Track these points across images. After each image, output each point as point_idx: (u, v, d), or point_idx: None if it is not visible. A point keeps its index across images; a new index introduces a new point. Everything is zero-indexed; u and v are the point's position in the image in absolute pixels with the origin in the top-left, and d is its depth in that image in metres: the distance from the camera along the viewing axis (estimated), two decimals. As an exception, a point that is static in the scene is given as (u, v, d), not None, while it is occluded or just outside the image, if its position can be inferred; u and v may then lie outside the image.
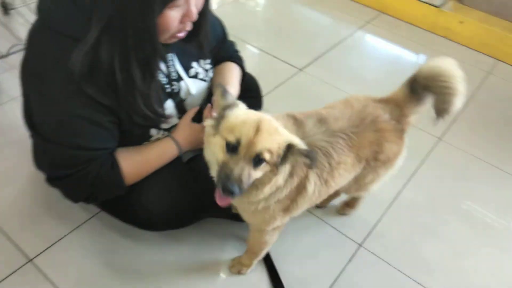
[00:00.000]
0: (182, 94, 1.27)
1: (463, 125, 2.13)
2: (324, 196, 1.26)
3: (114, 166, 1.16)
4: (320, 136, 1.15)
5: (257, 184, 1.04)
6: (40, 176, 1.26)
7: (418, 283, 1.46)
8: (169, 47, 1.18)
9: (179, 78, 1.25)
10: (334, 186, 1.22)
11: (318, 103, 2.13)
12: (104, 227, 1.49)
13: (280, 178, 1.06)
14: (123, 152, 1.20)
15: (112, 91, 1.03)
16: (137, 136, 1.21)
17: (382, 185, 1.39)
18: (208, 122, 1.04)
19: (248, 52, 2.48)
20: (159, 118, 1.16)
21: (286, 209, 1.19)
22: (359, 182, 1.33)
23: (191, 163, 1.39)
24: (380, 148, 1.24)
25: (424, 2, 2.75)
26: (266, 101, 1.75)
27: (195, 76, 1.30)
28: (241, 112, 1.01)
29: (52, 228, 1.46)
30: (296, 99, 2.19)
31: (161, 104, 1.18)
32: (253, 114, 1.00)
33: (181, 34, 1.09)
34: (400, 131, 1.28)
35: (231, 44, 1.55)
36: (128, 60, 1.00)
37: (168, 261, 1.43)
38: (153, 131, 1.22)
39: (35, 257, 1.38)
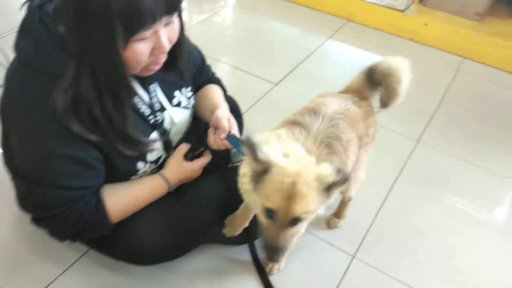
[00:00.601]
0: (166, 124, 1.26)
1: (438, 125, 2.19)
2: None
3: (99, 205, 1.14)
4: (324, 126, 1.18)
5: None
6: (25, 218, 1.23)
7: (407, 286, 1.49)
8: (150, 78, 1.17)
9: (163, 108, 1.24)
10: (350, 164, 1.26)
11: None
12: (95, 265, 1.45)
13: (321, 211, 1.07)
14: (109, 190, 1.18)
15: (97, 126, 1.02)
16: (124, 171, 1.19)
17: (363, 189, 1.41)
18: (243, 174, 1.06)
19: (222, 70, 2.49)
20: (143, 146, 1.14)
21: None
22: (356, 164, 1.37)
23: (177, 193, 1.38)
24: (368, 123, 1.35)
25: (388, 7, 2.83)
26: (246, 118, 1.76)
27: (178, 105, 1.30)
28: (275, 174, 0.96)
29: (43, 271, 1.42)
30: (276, 114, 2.18)
31: (143, 134, 1.17)
32: (288, 174, 0.96)
33: (156, 67, 1.09)
34: (370, 109, 1.40)
35: (209, 68, 1.56)
36: (100, 92, 0.99)
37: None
38: (140, 165, 1.21)
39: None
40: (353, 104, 1.32)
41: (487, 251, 1.64)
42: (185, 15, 3.02)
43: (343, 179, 0.97)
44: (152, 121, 1.20)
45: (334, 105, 1.26)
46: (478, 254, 1.62)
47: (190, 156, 1.33)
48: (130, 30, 0.91)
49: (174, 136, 1.31)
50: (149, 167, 1.24)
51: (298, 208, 0.96)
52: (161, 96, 1.23)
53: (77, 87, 0.96)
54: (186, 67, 1.24)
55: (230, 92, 1.69)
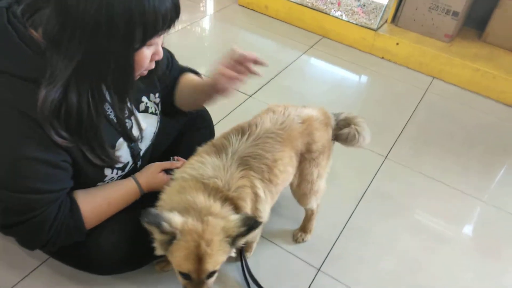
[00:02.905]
0: (134, 130, 1.25)
1: (406, 142, 2.25)
2: (276, 194, 1.33)
3: (74, 209, 1.12)
4: (245, 145, 1.22)
5: None
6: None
7: (375, 302, 1.51)
8: None
9: (129, 115, 1.23)
10: (280, 182, 1.29)
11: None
12: (55, 274, 1.42)
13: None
14: (82, 194, 1.16)
15: (72, 132, 1.00)
16: (92, 177, 1.17)
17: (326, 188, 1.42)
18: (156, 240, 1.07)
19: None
20: (112, 160, 1.13)
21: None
22: (307, 179, 1.41)
23: (145, 202, 1.37)
24: (312, 138, 1.34)
25: (362, 26, 2.90)
26: (217, 129, 1.76)
27: (145, 111, 1.29)
28: (180, 241, 1.02)
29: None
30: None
31: (111, 140, 1.16)
32: (191, 239, 1.01)
33: (145, 72, 1.10)
34: (324, 122, 1.41)
35: (177, 63, 1.53)
36: (100, 97, 0.99)
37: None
38: (107, 171, 1.19)
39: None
40: (294, 120, 1.32)
41: (450, 267, 1.67)
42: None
43: (249, 229, 1.04)
44: (120, 128, 1.19)
45: (267, 123, 1.29)
46: (441, 270, 1.66)
47: (168, 170, 1.35)
48: (149, 35, 0.94)
49: (141, 143, 1.30)
50: (116, 173, 1.23)
51: (209, 267, 1.04)
52: (128, 102, 1.22)
53: (66, 92, 0.94)
54: (157, 75, 1.25)
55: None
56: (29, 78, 0.95)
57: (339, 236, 1.71)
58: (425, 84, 2.73)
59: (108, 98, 1.14)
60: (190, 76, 1.48)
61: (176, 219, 1.02)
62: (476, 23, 2.96)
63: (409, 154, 2.17)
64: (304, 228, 1.65)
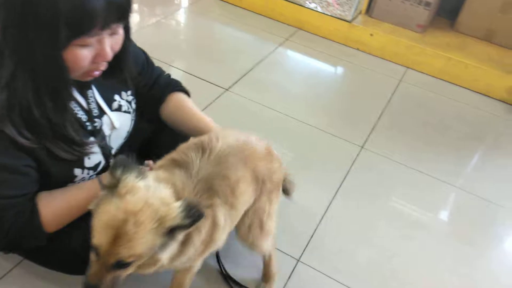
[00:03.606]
0: (106, 129, 1.22)
1: (381, 132, 2.27)
2: (236, 220, 1.19)
3: (34, 214, 1.08)
4: (207, 164, 1.07)
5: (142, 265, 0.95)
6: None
7: (354, 290, 1.53)
8: (87, 83, 1.14)
9: (101, 114, 1.20)
10: (240, 207, 1.16)
11: (245, 122, 2.18)
12: (29, 276, 1.39)
13: (167, 256, 0.95)
14: (45, 198, 1.12)
15: (30, 128, 0.98)
16: (60, 178, 1.14)
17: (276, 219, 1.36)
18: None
19: (173, 74, 2.44)
20: (79, 146, 1.09)
21: (204, 251, 1.12)
22: (258, 215, 1.24)
23: None
24: (273, 167, 1.22)
25: (336, 17, 2.91)
26: (193, 125, 1.74)
27: (118, 109, 1.26)
28: (111, 203, 0.87)
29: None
30: (225, 120, 2.19)
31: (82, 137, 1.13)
32: (122, 209, 0.86)
33: (96, 73, 1.06)
34: (276, 156, 1.29)
35: (158, 69, 1.51)
36: (39, 92, 0.95)
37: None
38: (77, 171, 1.15)
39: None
40: (257, 141, 1.22)
41: (427, 253, 1.71)
42: (136, 17, 3.00)
43: (192, 221, 0.88)
44: (89, 128, 1.16)
45: (230, 138, 1.15)
46: (418, 256, 1.69)
47: None
48: (74, 33, 0.89)
49: (114, 141, 1.27)
50: (88, 173, 1.19)
51: (122, 251, 0.85)
52: (100, 101, 1.19)
53: (13, 88, 0.92)
54: (129, 73, 1.23)
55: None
56: None
57: (317, 226, 1.72)
58: (399, 74, 2.77)
59: (76, 97, 1.11)
60: (184, 102, 1.46)
61: (132, 177, 0.90)
62: (448, 12, 3.01)
63: (384, 144, 2.20)
64: (266, 276, 1.49)
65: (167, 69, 2.53)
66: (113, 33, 1.00)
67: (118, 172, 0.89)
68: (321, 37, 3.02)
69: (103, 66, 1.05)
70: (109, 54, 1.00)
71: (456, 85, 2.74)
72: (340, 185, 1.92)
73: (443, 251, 1.73)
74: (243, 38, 2.99)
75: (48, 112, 0.98)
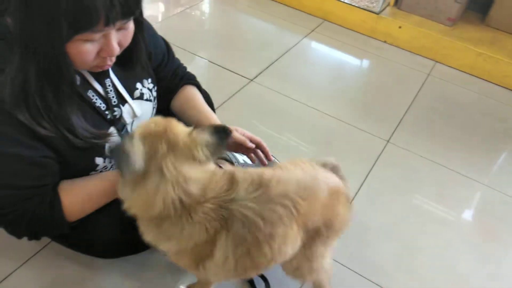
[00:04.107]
0: (127, 118, 1.22)
1: (408, 127, 2.23)
2: (252, 269, 1.07)
3: (55, 204, 1.08)
4: (248, 203, 0.98)
5: None
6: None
7: (376, 284, 1.51)
8: (105, 72, 1.13)
9: (121, 103, 1.19)
10: (265, 261, 1.04)
11: (270, 113, 2.18)
12: (57, 258, 1.42)
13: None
14: (66, 188, 1.12)
15: (46, 117, 0.97)
16: (82, 166, 1.15)
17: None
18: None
19: (197, 64, 2.47)
20: (94, 139, 1.09)
21: (196, 265, 1.06)
22: (307, 256, 1.15)
23: None
24: (335, 214, 1.11)
25: (363, 9, 2.86)
26: (218, 114, 1.73)
27: (140, 98, 1.25)
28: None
29: (2, 262, 1.38)
30: (248, 110, 2.20)
31: (100, 128, 1.12)
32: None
33: (106, 67, 1.05)
34: (347, 197, 1.18)
35: (177, 60, 1.51)
36: (42, 83, 0.95)
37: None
38: (99, 160, 1.16)
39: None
40: (321, 189, 1.07)
41: (450, 250, 1.68)
42: (161, 6, 3.01)
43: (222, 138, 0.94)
44: (109, 116, 1.15)
45: (292, 184, 1.02)
46: (441, 253, 1.66)
47: None
48: (76, 29, 0.88)
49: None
50: (110, 161, 1.19)
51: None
52: (121, 90, 1.19)
53: (24, 78, 0.92)
54: (145, 62, 1.22)
55: (204, 87, 1.67)
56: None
57: (341, 219, 1.71)
58: (427, 68, 2.71)
59: (94, 85, 1.12)
60: (195, 95, 1.46)
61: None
62: (479, 6, 2.93)
63: (411, 139, 2.16)
64: None
65: (192, 58, 2.55)
66: (121, 28, 0.97)
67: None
68: (348, 28, 2.97)
69: (111, 61, 1.04)
70: (116, 49, 0.98)
71: (486, 80, 2.66)
72: (365, 180, 1.90)
73: (468, 248, 1.70)
74: (269, 29, 2.97)
75: (49, 103, 0.97)
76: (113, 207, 1.22)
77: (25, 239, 1.13)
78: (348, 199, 1.18)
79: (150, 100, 1.30)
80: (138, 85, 1.25)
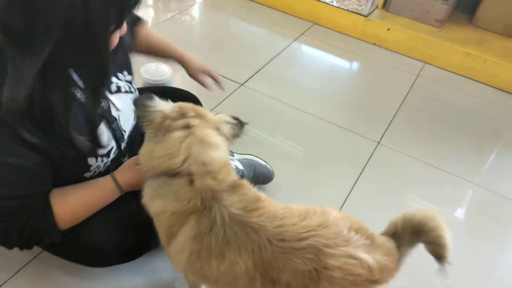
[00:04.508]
0: (113, 112, 1.20)
1: (398, 128, 2.25)
2: (200, 277, 1.06)
3: (47, 212, 1.08)
4: (234, 210, 0.96)
5: None
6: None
7: None
8: None
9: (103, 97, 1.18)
10: (210, 277, 1.00)
11: (261, 117, 2.18)
12: (48, 268, 1.41)
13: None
14: (58, 196, 1.11)
15: (41, 128, 0.95)
16: (76, 170, 1.14)
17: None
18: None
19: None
20: (94, 146, 1.08)
21: (167, 240, 1.05)
22: None
23: (136, 195, 1.36)
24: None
25: (352, 12, 2.88)
26: (209, 119, 1.74)
27: (118, 91, 1.23)
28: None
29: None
30: (239, 114, 2.16)
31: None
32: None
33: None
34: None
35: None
36: (71, 91, 0.97)
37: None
38: (91, 161, 1.14)
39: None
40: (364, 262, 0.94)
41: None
42: (151, 12, 3.00)
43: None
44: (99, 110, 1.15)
45: (327, 234, 0.94)
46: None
47: None
48: (125, 14, 0.91)
49: (124, 124, 1.25)
50: (102, 160, 1.18)
51: None
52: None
53: (36, 91, 0.89)
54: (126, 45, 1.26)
55: (194, 92, 1.68)
56: None
57: (333, 222, 1.71)
58: (416, 70, 2.73)
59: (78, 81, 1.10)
60: (146, 31, 1.53)
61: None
62: (466, 7, 2.96)
63: (401, 140, 2.17)
64: None
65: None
66: None
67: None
68: (337, 31, 2.99)
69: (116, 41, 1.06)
70: (126, 27, 1.03)
71: (475, 80, 2.69)
72: (356, 181, 1.91)
73: (460, 248, 1.70)
74: (258, 33, 2.98)
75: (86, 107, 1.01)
76: (108, 213, 1.22)
77: (16, 249, 1.12)
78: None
79: (130, 92, 1.27)
80: (113, 79, 1.23)
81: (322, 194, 1.78)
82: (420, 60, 2.81)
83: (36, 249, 1.42)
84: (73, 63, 0.93)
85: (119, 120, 1.23)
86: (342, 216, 1.02)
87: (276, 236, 0.93)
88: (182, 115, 1.00)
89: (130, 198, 1.28)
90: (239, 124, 1.09)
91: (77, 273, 1.40)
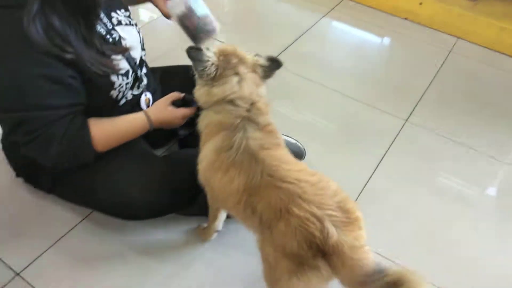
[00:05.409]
0: (123, 42, 1.34)
1: (428, 105, 2.22)
2: (211, 187, 1.26)
3: (84, 126, 1.21)
4: (255, 138, 1.18)
5: None
6: (16, 189, 1.30)
7: (394, 262, 1.54)
8: None
9: (112, 28, 1.32)
10: (214, 189, 1.24)
11: (288, 95, 2.20)
12: (88, 235, 1.53)
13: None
14: (94, 120, 1.25)
15: (69, 46, 1.11)
16: (103, 86, 1.27)
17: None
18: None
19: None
20: (108, 61, 1.24)
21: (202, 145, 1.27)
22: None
23: (171, 157, 1.52)
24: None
25: (384, -15, 2.82)
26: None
27: (119, 24, 1.37)
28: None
29: (35, 240, 1.49)
30: (269, 93, 2.23)
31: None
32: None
33: None
34: None
35: None
36: (73, 15, 1.10)
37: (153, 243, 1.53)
38: (114, 78, 1.28)
39: (22, 270, 1.41)
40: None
41: (472, 228, 1.69)
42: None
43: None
44: (110, 40, 1.28)
45: (309, 191, 1.07)
46: (463, 231, 1.68)
47: (178, 103, 1.41)
48: None
49: (134, 52, 1.38)
50: (123, 79, 1.31)
51: None
52: (103, 18, 1.30)
53: (46, 14, 1.04)
54: None
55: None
56: (11, 4, 1.05)
57: (357, 198, 1.74)
58: (449, 45, 2.67)
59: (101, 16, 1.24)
60: None
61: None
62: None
63: (431, 117, 2.15)
64: None
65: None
66: None
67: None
68: (368, 6, 2.93)
69: None
70: None
71: (510, 56, 2.60)
72: (382, 158, 1.92)
73: (489, 226, 1.71)
74: (286, 9, 2.97)
75: (82, 30, 1.13)
76: (143, 171, 1.38)
77: (55, 220, 1.23)
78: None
79: (131, 25, 1.42)
80: (113, 14, 1.36)
81: (346, 170, 1.81)
82: (453, 35, 2.73)
83: (85, 211, 1.55)
84: None
85: (134, 55, 1.37)
86: (338, 192, 1.12)
87: (267, 171, 1.10)
88: (228, 62, 1.21)
89: (165, 161, 1.46)
90: (274, 64, 1.26)
91: (122, 232, 1.53)
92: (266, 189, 1.09)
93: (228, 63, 1.21)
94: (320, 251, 1.02)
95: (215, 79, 1.21)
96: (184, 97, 1.41)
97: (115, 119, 1.32)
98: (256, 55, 1.27)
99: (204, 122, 1.26)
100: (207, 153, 1.22)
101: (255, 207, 1.11)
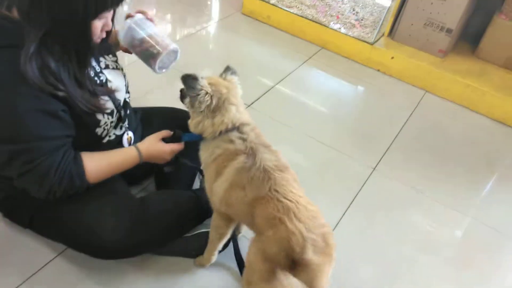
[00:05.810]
0: (109, 84, 1.43)
1: (395, 154, 2.36)
2: (229, 204, 1.36)
3: (77, 159, 1.30)
4: (270, 160, 1.33)
5: None
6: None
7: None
8: None
9: (100, 71, 1.42)
10: (238, 209, 1.35)
11: (269, 140, 2.29)
12: (71, 264, 1.56)
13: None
14: (86, 154, 1.34)
15: (62, 85, 1.20)
16: (89, 123, 1.35)
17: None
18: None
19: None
20: (97, 100, 1.33)
21: (214, 177, 1.37)
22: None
23: (145, 200, 1.57)
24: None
25: (359, 39, 3.01)
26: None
27: (107, 67, 1.47)
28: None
29: (6, 278, 1.52)
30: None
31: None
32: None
33: (99, 40, 1.29)
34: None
35: None
36: (68, 58, 1.20)
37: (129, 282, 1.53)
38: (99, 116, 1.37)
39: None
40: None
41: (430, 277, 1.78)
42: (168, 28, 3.16)
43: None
44: (98, 81, 1.38)
45: (304, 213, 1.23)
46: (421, 279, 1.77)
47: (167, 140, 1.50)
48: (101, 10, 1.16)
49: (118, 95, 1.47)
50: (108, 118, 1.40)
51: None
52: (92, 62, 1.40)
53: (42, 55, 1.14)
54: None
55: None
56: (12, 44, 1.14)
57: (325, 243, 1.82)
58: (417, 98, 2.85)
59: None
60: None
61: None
62: (471, 37, 3.07)
63: (397, 167, 2.28)
64: None
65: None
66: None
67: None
68: (344, 57, 3.13)
69: (104, 35, 1.30)
70: (111, 25, 1.28)
71: (474, 111, 2.79)
72: (349, 206, 2.02)
73: (447, 276, 1.79)
74: (269, 55, 3.13)
75: (74, 71, 1.23)
76: (119, 212, 1.44)
77: (28, 256, 1.26)
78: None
79: (118, 69, 1.53)
80: (101, 58, 1.48)
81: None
82: (422, 89, 2.92)
83: (58, 247, 1.59)
84: (64, 39, 1.18)
85: (120, 98, 1.47)
86: (326, 226, 1.27)
87: (274, 187, 1.25)
88: (219, 92, 1.35)
89: (142, 202, 1.53)
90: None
91: (97, 271, 1.55)
92: (268, 200, 1.24)
93: (220, 93, 1.35)
94: (293, 263, 1.18)
95: (214, 110, 1.33)
96: (174, 133, 1.51)
97: (106, 152, 1.40)
98: (221, 74, 1.47)
99: (216, 152, 1.36)
100: (228, 177, 1.32)
101: (255, 212, 1.26)
